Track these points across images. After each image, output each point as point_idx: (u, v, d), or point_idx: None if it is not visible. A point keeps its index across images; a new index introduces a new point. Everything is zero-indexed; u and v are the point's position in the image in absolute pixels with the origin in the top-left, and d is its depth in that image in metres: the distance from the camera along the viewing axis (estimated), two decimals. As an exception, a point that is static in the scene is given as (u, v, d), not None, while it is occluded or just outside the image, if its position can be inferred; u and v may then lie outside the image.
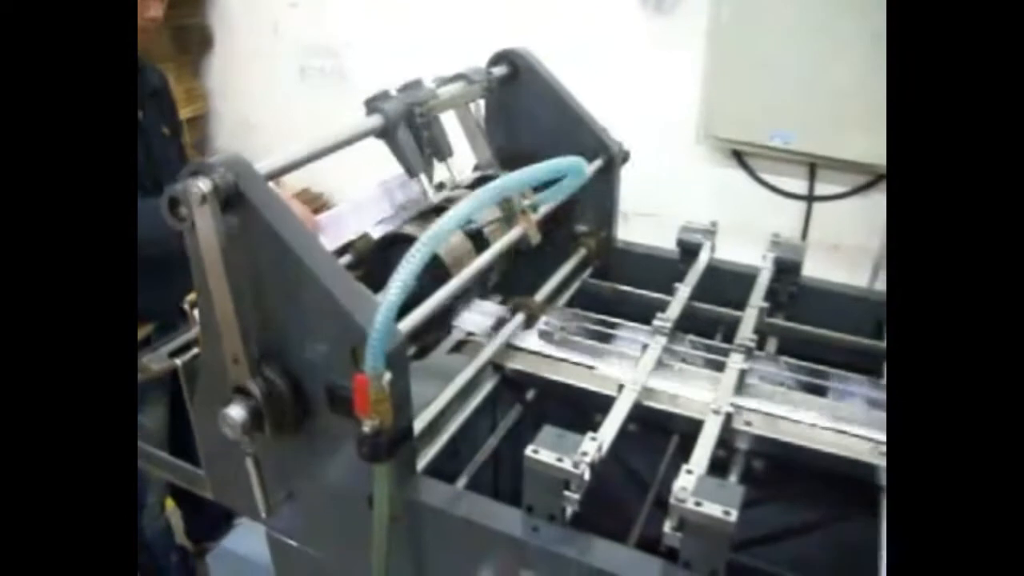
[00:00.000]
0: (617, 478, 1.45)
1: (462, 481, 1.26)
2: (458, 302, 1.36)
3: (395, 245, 1.30)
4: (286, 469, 1.14)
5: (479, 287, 1.40)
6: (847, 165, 2.28)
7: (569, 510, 1.03)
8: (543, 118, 1.61)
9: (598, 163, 1.56)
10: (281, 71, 3.10)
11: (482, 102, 1.60)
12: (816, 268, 2.51)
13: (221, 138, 3.46)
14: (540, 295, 1.41)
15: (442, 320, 1.33)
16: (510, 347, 1.31)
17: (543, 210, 1.37)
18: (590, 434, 1.00)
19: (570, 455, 0.96)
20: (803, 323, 1.48)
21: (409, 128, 1.31)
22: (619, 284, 1.60)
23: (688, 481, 0.93)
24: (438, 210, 1.35)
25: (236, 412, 1.01)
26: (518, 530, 1.00)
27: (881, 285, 2.17)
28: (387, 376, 0.92)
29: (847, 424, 1.17)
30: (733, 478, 1.15)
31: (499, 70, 1.56)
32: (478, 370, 1.24)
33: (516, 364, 1.29)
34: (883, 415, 1.18)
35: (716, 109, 2.34)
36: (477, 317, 1.38)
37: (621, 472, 1.46)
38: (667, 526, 0.93)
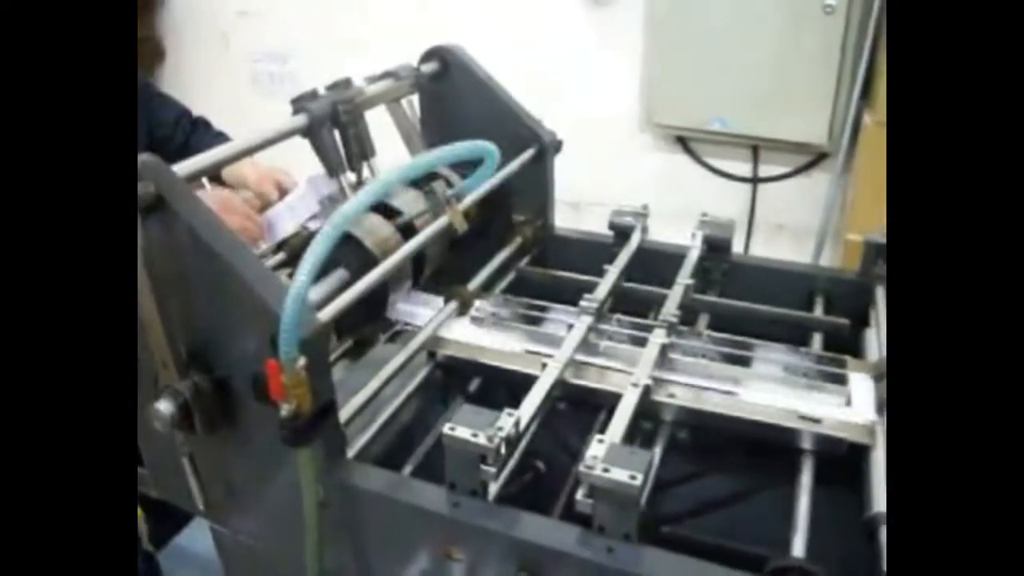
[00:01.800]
0: (558, 458, 1.48)
1: (407, 469, 1.29)
2: (395, 295, 1.40)
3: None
4: (222, 463, 1.16)
5: (415, 279, 1.43)
6: (787, 146, 2.33)
7: (494, 486, 1.07)
8: (476, 113, 1.64)
9: (530, 153, 1.59)
10: (233, 79, 3.13)
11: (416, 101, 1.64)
12: (763, 247, 2.58)
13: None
14: (474, 283, 1.44)
15: (376, 312, 1.36)
16: (444, 335, 1.35)
17: (470, 199, 1.40)
18: (507, 410, 1.04)
19: (485, 430, 0.99)
20: (736, 299, 1.52)
21: (335, 126, 1.34)
22: (557, 270, 1.63)
23: (599, 450, 0.96)
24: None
25: (164, 407, 1.04)
26: (443, 507, 1.03)
27: (824, 262, 2.22)
28: (301, 361, 0.94)
29: (765, 391, 1.21)
30: (658, 449, 1.19)
31: (429, 67, 1.60)
32: (408, 357, 1.26)
33: (448, 350, 1.32)
34: (799, 379, 1.22)
35: (656, 97, 2.39)
36: (413, 308, 1.42)
37: (562, 452, 1.49)
38: (579, 493, 0.96)
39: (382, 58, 1.67)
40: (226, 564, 1.32)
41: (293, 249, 1.36)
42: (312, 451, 1.01)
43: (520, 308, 1.40)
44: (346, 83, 1.37)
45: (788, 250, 1.97)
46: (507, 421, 1.01)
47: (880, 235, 1.48)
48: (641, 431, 1.23)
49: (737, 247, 2.57)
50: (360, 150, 1.39)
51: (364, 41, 2.68)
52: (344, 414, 1.14)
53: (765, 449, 1.20)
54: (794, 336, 1.42)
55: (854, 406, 1.20)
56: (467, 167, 1.39)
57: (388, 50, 1.65)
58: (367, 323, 1.37)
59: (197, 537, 1.44)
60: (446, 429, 1.00)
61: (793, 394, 1.21)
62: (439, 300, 1.41)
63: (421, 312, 1.40)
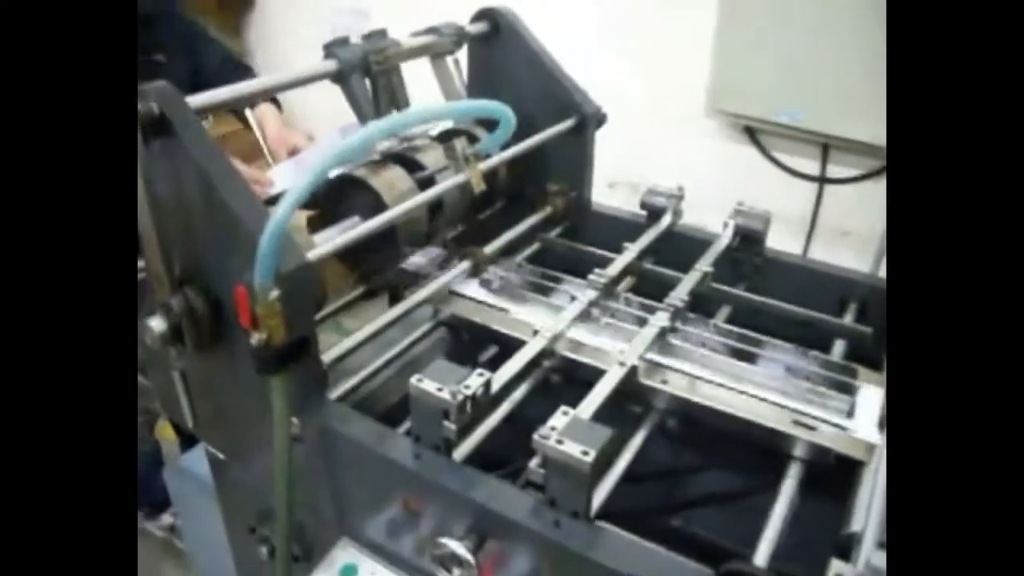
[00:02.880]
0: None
1: (404, 427, 1.30)
2: (408, 248, 1.40)
3: (345, 187, 1.34)
4: (211, 383, 1.20)
5: (431, 234, 1.43)
6: (860, 147, 2.20)
7: (467, 445, 1.07)
8: (521, 78, 1.62)
9: (568, 123, 1.56)
10: (315, 31, 3.19)
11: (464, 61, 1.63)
12: (825, 252, 2.45)
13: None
14: (492, 247, 1.43)
15: (387, 259, 1.37)
16: (451, 292, 1.35)
17: (496, 160, 1.38)
18: (479, 370, 1.03)
19: (450, 386, 0.99)
20: (766, 295, 1.46)
21: (366, 76, 1.35)
22: (590, 245, 1.60)
23: (560, 421, 0.94)
24: (392, 157, 1.39)
25: (156, 324, 1.07)
26: (406, 458, 1.03)
27: (881, 272, 2.09)
28: (274, 292, 0.96)
29: (762, 390, 1.16)
30: (641, 435, 1.15)
31: (478, 27, 1.58)
32: (407, 309, 1.27)
33: (450, 308, 1.32)
34: (800, 383, 1.16)
35: (724, 82, 2.29)
36: (425, 261, 1.42)
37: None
38: (532, 462, 0.95)
39: (465, 19, 1.66)
40: (217, 483, 1.37)
41: (315, 194, 1.38)
42: (284, 383, 1.02)
43: (532, 277, 1.38)
44: (381, 34, 1.37)
45: (850, 258, 1.84)
46: (476, 381, 1.01)
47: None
48: (631, 415, 1.20)
49: (796, 248, 2.52)
50: (392, 101, 1.39)
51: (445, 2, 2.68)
52: (329, 356, 1.15)
53: (755, 449, 1.15)
54: (818, 340, 1.35)
55: (856, 418, 1.13)
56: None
57: (467, 11, 1.64)
58: (379, 270, 1.39)
59: (199, 459, 1.49)
60: (413, 380, 1.00)
61: (792, 397, 1.15)
62: (455, 259, 1.41)
63: (432, 265, 1.40)
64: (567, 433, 0.92)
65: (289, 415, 1.05)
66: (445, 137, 1.50)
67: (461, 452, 1.08)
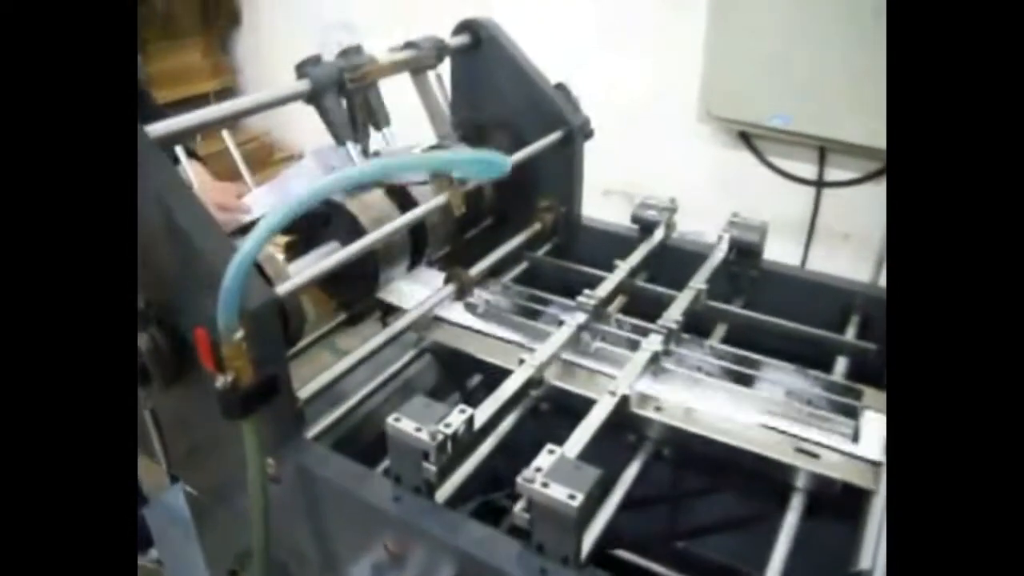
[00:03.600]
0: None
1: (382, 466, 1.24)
2: (390, 272, 1.35)
3: (321, 211, 1.29)
4: (184, 421, 1.15)
5: (416, 258, 1.38)
6: (857, 150, 2.14)
7: (450, 486, 1.02)
8: (506, 90, 1.57)
9: (555, 136, 1.50)
10: (301, 46, 3.15)
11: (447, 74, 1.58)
12: (823, 257, 2.40)
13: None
14: (478, 268, 1.38)
15: (368, 286, 1.31)
16: (435, 318, 1.29)
17: (473, 182, 1.33)
18: (460, 407, 0.97)
19: (429, 425, 0.93)
20: (764, 309, 1.40)
21: (341, 95, 1.29)
22: (580, 262, 1.54)
23: (546, 461, 0.89)
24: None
25: (120, 364, 1.03)
26: (386, 501, 0.98)
27: (882, 279, 2.03)
28: (239, 333, 0.91)
29: (762, 415, 1.10)
30: (635, 465, 1.10)
31: (459, 40, 1.53)
32: (388, 339, 1.21)
33: (434, 334, 1.26)
34: (801, 407, 1.10)
35: (716, 88, 2.23)
36: (411, 287, 1.37)
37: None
38: (517, 506, 0.89)
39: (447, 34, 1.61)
40: (196, 521, 1.32)
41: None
42: (255, 425, 0.97)
43: (520, 299, 1.32)
44: (356, 50, 1.32)
45: (850, 263, 1.79)
46: (457, 418, 0.95)
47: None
48: (625, 443, 1.14)
49: (795, 254, 2.46)
50: (370, 120, 1.34)
51: (430, 18, 2.64)
52: (305, 392, 1.10)
53: (757, 478, 1.09)
54: (818, 357, 1.29)
55: (861, 443, 1.07)
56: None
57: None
58: (360, 298, 1.33)
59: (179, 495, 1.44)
60: (390, 419, 0.95)
61: (793, 423, 1.09)
62: (440, 282, 1.36)
63: (418, 291, 1.34)
64: (552, 475, 0.86)
65: (262, 457, 1.00)
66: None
67: (444, 492, 1.03)
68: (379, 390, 1.21)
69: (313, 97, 1.26)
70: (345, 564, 1.09)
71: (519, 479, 0.86)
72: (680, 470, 1.37)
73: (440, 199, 1.25)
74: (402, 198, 1.32)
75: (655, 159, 2.37)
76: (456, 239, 1.51)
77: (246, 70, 3.47)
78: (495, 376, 1.14)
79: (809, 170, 2.32)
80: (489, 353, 1.21)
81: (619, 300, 1.42)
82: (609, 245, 1.57)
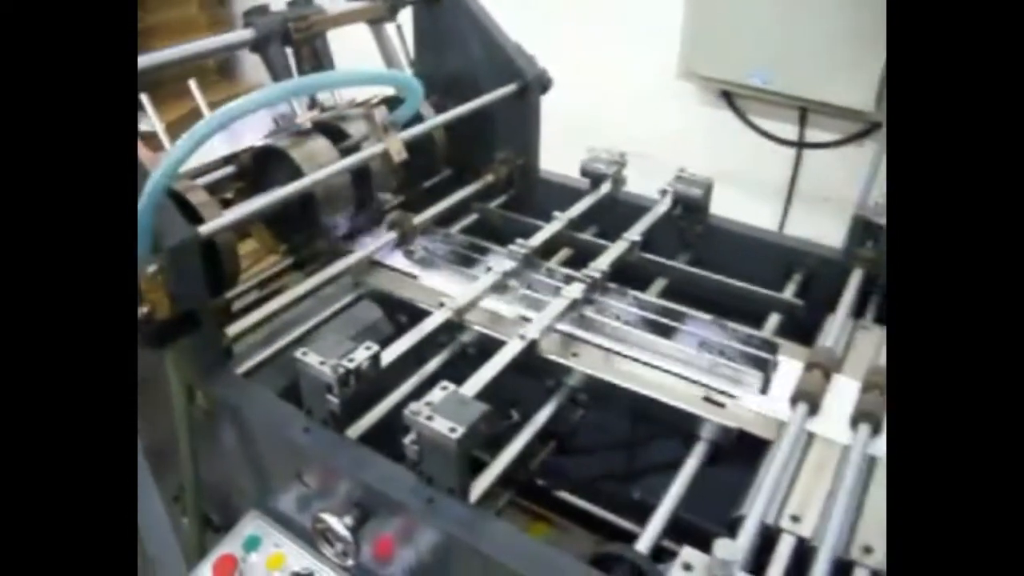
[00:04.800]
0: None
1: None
2: (334, 217, 1.38)
3: (269, 159, 1.33)
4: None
5: (361, 204, 1.41)
6: (837, 111, 2.10)
7: (370, 418, 1.06)
8: (466, 43, 1.57)
9: (510, 88, 1.51)
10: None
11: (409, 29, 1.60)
12: (803, 218, 2.38)
13: (249, 60, 3.49)
14: (423, 216, 1.40)
15: (307, 229, 1.35)
16: (373, 263, 1.33)
17: (426, 127, 1.35)
18: (366, 343, 1.01)
19: (332, 360, 0.97)
20: (711, 265, 1.41)
21: (288, 45, 1.32)
22: (538, 214, 1.56)
23: (436, 396, 0.92)
24: (319, 127, 1.37)
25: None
26: (296, 432, 1.03)
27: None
28: (152, 267, 0.95)
29: (675, 364, 1.12)
30: (547, 410, 1.13)
31: (417, -9, 1.54)
32: (324, 281, 1.25)
33: (372, 279, 1.30)
34: (713, 358, 1.12)
35: (696, 45, 2.20)
36: (356, 233, 1.40)
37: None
38: (407, 438, 0.93)
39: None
40: (144, 453, 1.38)
41: (243, 165, 1.37)
42: (176, 355, 1.02)
43: (460, 247, 1.35)
44: (305, 1, 1.34)
45: (830, 225, 1.76)
46: (362, 354, 0.99)
47: (874, 211, 1.33)
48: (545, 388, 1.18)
49: (774, 215, 2.44)
50: (317, 70, 1.37)
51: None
52: (234, 329, 1.15)
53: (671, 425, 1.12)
54: (754, 312, 1.31)
55: (770, 394, 1.09)
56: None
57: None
58: (306, 243, 1.37)
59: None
60: (298, 353, 0.99)
61: (705, 373, 1.11)
62: (384, 228, 1.39)
63: (360, 237, 1.38)
64: (439, 409, 0.89)
65: (185, 388, 1.05)
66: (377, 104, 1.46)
67: (358, 428, 1.07)
68: (315, 330, 1.26)
69: (257, 46, 1.29)
70: (270, 493, 1.14)
71: (406, 411, 0.90)
72: (628, 420, 1.41)
73: (379, 146, 1.28)
74: (347, 147, 1.35)
75: (638, 118, 2.35)
76: (411, 189, 1.54)
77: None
78: (418, 321, 1.18)
79: (790, 131, 2.30)
80: (417, 297, 1.24)
81: (564, 252, 1.44)
82: (566, 198, 1.59)
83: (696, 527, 1.04)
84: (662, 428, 1.24)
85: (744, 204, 1.54)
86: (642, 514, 1.02)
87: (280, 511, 1.13)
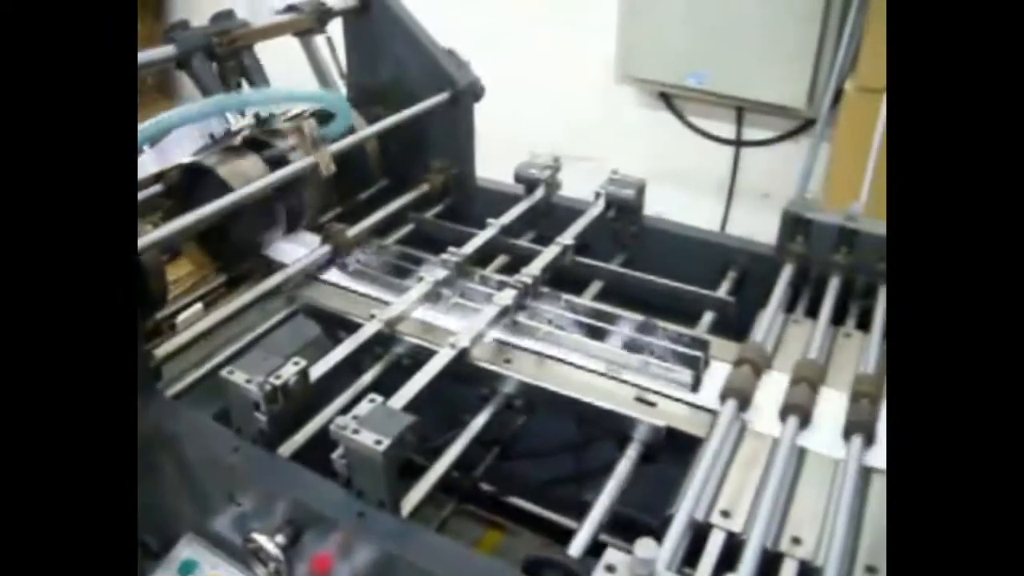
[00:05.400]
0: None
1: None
2: (268, 234, 1.38)
3: (196, 177, 1.31)
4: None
5: (294, 220, 1.40)
6: (772, 109, 2.15)
7: (300, 437, 1.04)
8: (397, 52, 1.58)
9: (442, 97, 1.52)
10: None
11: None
12: (746, 215, 2.41)
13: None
14: (357, 228, 1.40)
15: (241, 249, 1.34)
16: (307, 277, 1.32)
17: (355, 139, 1.35)
18: (294, 359, 1.00)
19: (258, 377, 0.96)
20: (647, 266, 1.42)
21: (212, 59, 1.31)
22: (476, 223, 1.56)
23: (364, 409, 0.92)
24: (250, 144, 1.36)
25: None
26: (226, 450, 1.01)
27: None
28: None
29: (606, 366, 1.13)
30: (482, 417, 1.13)
31: (347, 3, 1.54)
32: (257, 297, 1.24)
33: (306, 294, 1.29)
34: (643, 358, 1.13)
35: (632, 48, 2.23)
36: (290, 248, 1.39)
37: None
38: (335, 453, 0.92)
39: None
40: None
41: (170, 182, 1.35)
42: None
43: (393, 258, 1.35)
44: (227, 15, 1.33)
45: (771, 220, 1.79)
46: (289, 370, 0.98)
47: (803, 205, 1.35)
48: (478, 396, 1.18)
49: (717, 213, 2.47)
50: (246, 83, 1.36)
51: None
52: (162, 350, 1.13)
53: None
54: (689, 311, 1.32)
55: (702, 392, 1.10)
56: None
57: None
58: (238, 260, 1.36)
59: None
60: (224, 372, 0.98)
61: (636, 374, 1.12)
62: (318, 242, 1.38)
63: (295, 252, 1.37)
64: (366, 422, 0.89)
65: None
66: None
67: (292, 445, 1.06)
68: (250, 348, 1.24)
69: (181, 62, 1.28)
70: (208, 516, 1.12)
71: (332, 426, 0.90)
72: (572, 423, 1.41)
73: (308, 160, 1.27)
74: (280, 164, 1.33)
75: (579, 122, 2.38)
76: (347, 201, 1.54)
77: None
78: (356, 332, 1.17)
79: (728, 130, 2.34)
80: (350, 310, 1.24)
81: (502, 259, 1.44)
82: (504, 205, 1.59)
83: (645, 524, 1.05)
84: (600, 430, 1.25)
85: (687, 203, 1.57)
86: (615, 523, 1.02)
87: (216, 533, 1.11)
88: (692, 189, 2.29)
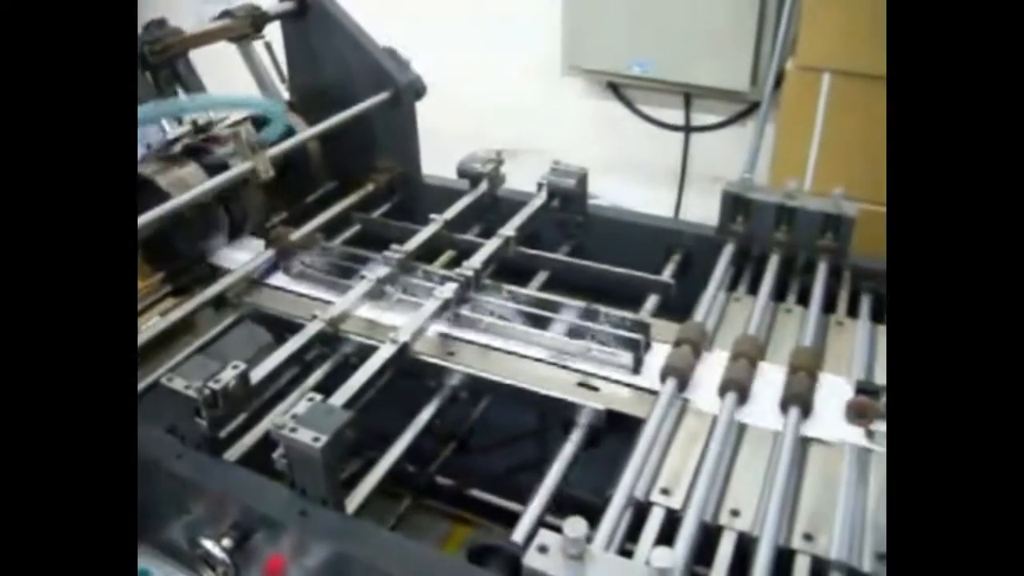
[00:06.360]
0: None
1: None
2: (211, 241, 1.37)
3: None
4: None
5: (236, 224, 1.40)
6: (718, 93, 2.17)
7: (246, 444, 1.05)
8: (336, 54, 1.58)
9: (382, 96, 1.52)
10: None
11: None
12: (698, 200, 2.44)
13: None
14: (301, 231, 1.40)
15: (184, 257, 1.34)
16: (252, 282, 1.32)
17: (293, 143, 1.35)
18: (233, 363, 1.00)
19: (196, 382, 0.96)
20: (593, 254, 1.44)
21: (145, 68, 1.31)
22: (424, 220, 1.57)
23: (302, 407, 0.92)
24: (189, 151, 1.35)
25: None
26: (169, 457, 1.01)
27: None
28: None
29: (549, 354, 1.14)
30: (428, 411, 1.13)
31: (283, 6, 1.54)
32: (201, 304, 1.24)
33: (251, 299, 1.29)
34: (585, 343, 1.14)
35: (577, 39, 2.25)
36: (234, 254, 1.39)
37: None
38: (276, 452, 0.93)
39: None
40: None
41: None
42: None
43: (338, 258, 1.35)
44: (158, 23, 1.33)
45: None
46: (228, 374, 0.98)
47: (742, 186, 1.37)
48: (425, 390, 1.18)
49: (669, 199, 2.49)
50: (186, 91, 1.36)
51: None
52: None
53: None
54: (637, 295, 1.33)
55: (643, 373, 1.12)
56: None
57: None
58: (181, 269, 1.36)
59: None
60: (163, 379, 0.99)
61: (578, 360, 1.13)
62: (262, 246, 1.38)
63: (240, 258, 1.36)
64: (304, 420, 0.90)
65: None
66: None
67: (240, 448, 1.06)
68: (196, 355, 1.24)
69: (112, 72, 1.27)
70: (160, 525, 1.12)
71: (271, 425, 0.90)
72: (527, 413, 1.43)
73: (246, 165, 1.27)
74: (221, 171, 1.33)
75: (530, 116, 2.39)
76: (294, 205, 1.54)
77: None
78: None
79: (678, 116, 2.36)
80: (294, 312, 1.24)
81: (448, 254, 1.45)
82: (451, 201, 1.60)
83: (597, 506, 1.07)
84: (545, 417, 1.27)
85: (640, 192, 1.59)
86: (556, 502, 1.03)
87: (167, 541, 1.11)
88: (645, 177, 2.31)
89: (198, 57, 1.43)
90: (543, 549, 0.76)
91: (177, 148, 1.37)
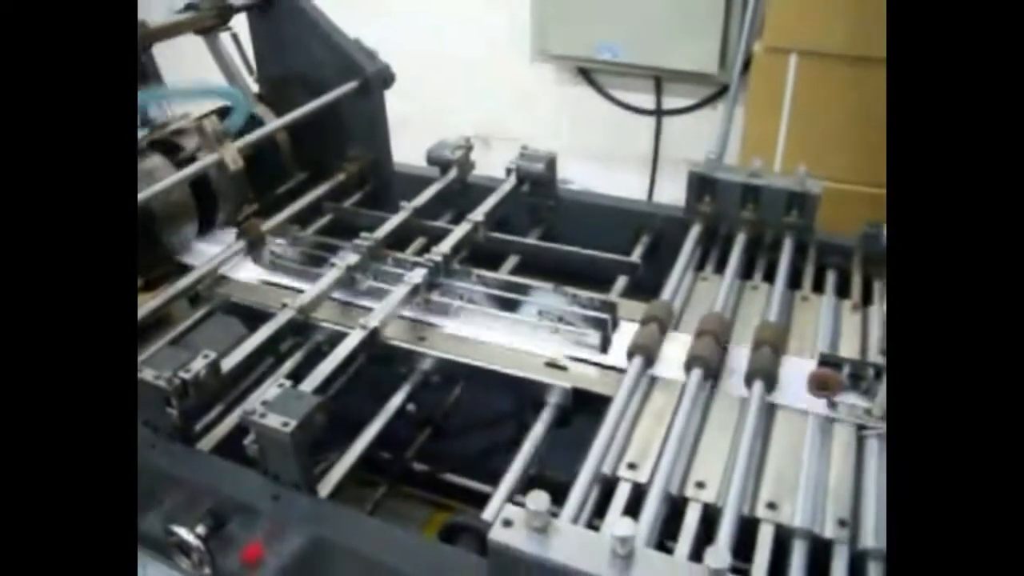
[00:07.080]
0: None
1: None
2: (179, 234, 1.38)
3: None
4: None
5: (207, 216, 1.40)
6: (688, 77, 2.19)
7: (220, 432, 1.06)
8: (304, 45, 1.58)
9: (350, 86, 1.52)
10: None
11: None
12: (671, 183, 2.45)
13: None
14: (271, 222, 1.40)
15: (155, 251, 1.34)
16: (223, 276, 1.32)
17: (261, 133, 1.35)
18: (204, 352, 1.01)
19: (166, 372, 0.97)
20: (564, 237, 1.45)
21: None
22: (393, 208, 1.58)
23: (272, 393, 0.93)
24: (154, 145, 1.36)
25: None
26: (146, 451, 1.02)
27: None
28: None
29: (518, 336, 1.16)
30: (399, 396, 1.15)
31: (247, -1, 1.53)
32: (172, 297, 1.25)
33: (222, 291, 1.30)
34: (552, 324, 1.16)
35: (546, 25, 2.25)
36: (205, 247, 1.40)
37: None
38: (247, 439, 0.94)
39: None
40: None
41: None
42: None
43: (309, 248, 1.36)
44: (122, 16, 1.32)
45: None
46: (199, 363, 0.99)
47: (708, 166, 1.39)
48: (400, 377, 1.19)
49: (643, 182, 2.51)
50: (145, 83, 1.35)
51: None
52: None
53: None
54: (607, 276, 1.35)
55: (611, 353, 1.13)
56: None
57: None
58: (152, 264, 1.36)
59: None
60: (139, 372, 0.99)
61: (547, 341, 1.15)
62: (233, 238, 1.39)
63: (211, 251, 1.37)
64: (273, 406, 0.91)
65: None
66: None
67: (214, 438, 1.07)
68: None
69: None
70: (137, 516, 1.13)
71: (242, 412, 0.91)
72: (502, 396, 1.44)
73: (212, 156, 1.27)
74: (184, 162, 1.34)
75: (502, 103, 2.40)
76: (265, 196, 1.54)
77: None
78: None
79: (649, 100, 2.37)
80: (265, 302, 1.25)
81: (420, 241, 1.46)
82: (422, 189, 1.61)
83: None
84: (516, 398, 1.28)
85: (613, 176, 1.60)
86: (536, 485, 1.04)
87: (144, 532, 1.12)
88: (618, 162, 2.32)
89: (168, 50, 1.43)
90: (508, 523, 0.78)
91: (143, 143, 1.37)
